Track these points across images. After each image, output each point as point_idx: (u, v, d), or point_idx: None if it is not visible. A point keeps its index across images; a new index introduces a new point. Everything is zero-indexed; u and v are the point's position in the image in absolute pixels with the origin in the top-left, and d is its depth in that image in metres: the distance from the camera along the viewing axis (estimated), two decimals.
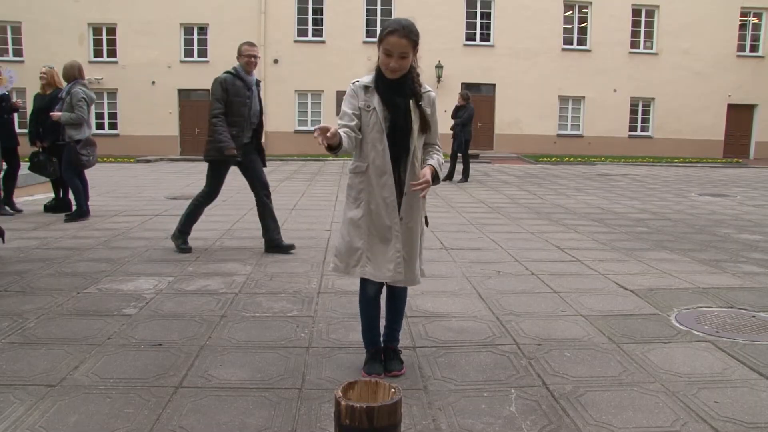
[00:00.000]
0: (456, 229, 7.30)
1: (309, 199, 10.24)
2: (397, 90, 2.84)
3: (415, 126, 2.86)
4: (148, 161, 20.30)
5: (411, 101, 2.86)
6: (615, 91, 23.97)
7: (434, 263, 5.38)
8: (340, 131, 2.68)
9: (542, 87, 23.50)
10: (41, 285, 4.59)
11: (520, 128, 23.69)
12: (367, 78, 2.90)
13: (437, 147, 3.01)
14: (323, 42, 23.35)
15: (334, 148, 2.61)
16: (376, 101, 2.83)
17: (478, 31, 23.84)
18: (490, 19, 23.78)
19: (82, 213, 7.69)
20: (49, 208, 8.20)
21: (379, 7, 23.53)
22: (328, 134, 2.46)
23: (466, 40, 23.64)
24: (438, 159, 2.94)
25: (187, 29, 23.20)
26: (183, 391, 2.78)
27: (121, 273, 4.99)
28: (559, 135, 24.21)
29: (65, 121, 7.40)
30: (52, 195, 8.55)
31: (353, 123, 2.82)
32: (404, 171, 2.87)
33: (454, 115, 12.89)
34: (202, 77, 23.05)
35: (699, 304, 4.30)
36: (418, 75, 2.90)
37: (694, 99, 23.88)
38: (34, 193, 9.94)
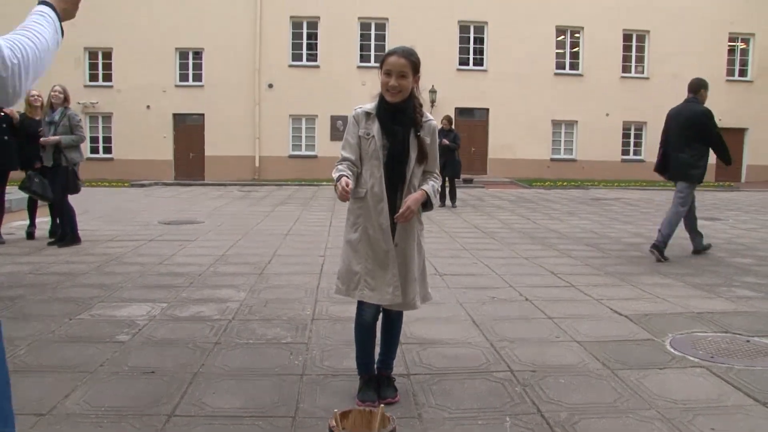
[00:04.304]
0: (450, 254, 7.32)
1: (303, 224, 10.24)
2: (397, 118, 2.90)
3: (413, 155, 2.92)
4: (142, 185, 20.31)
5: (411, 130, 2.92)
6: (607, 115, 24.23)
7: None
8: (346, 170, 2.82)
9: (535, 111, 23.74)
10: (33, 311, 4.56)
11: (513, 152, 23.86)
12: (370, 105, 2.97)
13: (435, 174, 3.05)
14: (317, 67, 23.56)
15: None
16: (375, 129, 2.90)
17: (471, 56, 24.13)
18: (483, 44, 24.11)
19: (75, 238, 7.67)
20: (52, 233, 8.01)
21: (372, 32, 23.82)
22: (350, 187, 2.66)
23: (460, 64, 23.91)
24: (433, 185, 2.97)
25: (182, 53, 23.38)
26: (176, 420, 2.76)
27: (114, 299, 4.97)
28: (552, 159, 24.39)
29: (67, 143, 7.40)
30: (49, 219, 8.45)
31: (354, 157, 2.91)
32: (401, 198, 2.92)
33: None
34: (197, 102, 23.26)
35: (694, 329, 4.31)
36: (420, 105, 2.97)
37: None
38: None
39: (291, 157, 23.72)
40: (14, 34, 1.35)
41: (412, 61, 2.86)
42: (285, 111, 23.46)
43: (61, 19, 1.53)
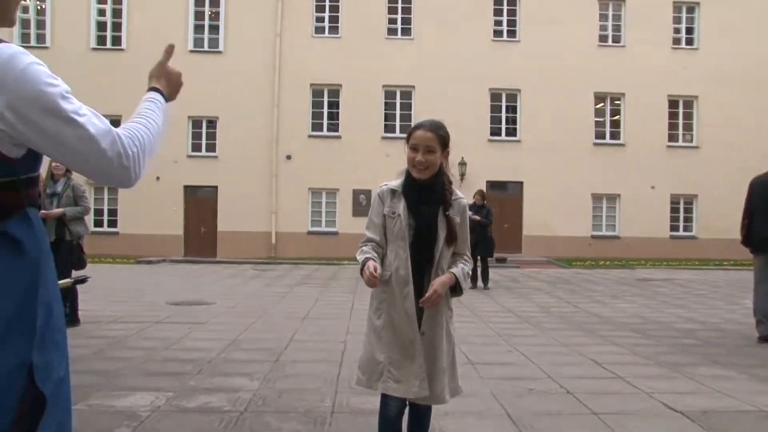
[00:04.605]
0: (482, 341, 7.24)
1: (323, 306, 10.26)
2: (425, 196, 2.98)
3: (441, 235, 2.97)
4: (149, 262, 20.60)
5: (439, 209, 2.99)
6: (653, 188, 24.21)
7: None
8: (371, 252, 2.92)
9: (574, 184, 23.81)
10: None
11: (550, 229, 23.81)
12: (395, 182, 3.06)
13: (466, 257, 3.09)
14: (339, 137, 24.16)
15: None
16: (401, 207, 2.97)
17: (503, 126, 24.58)
18: (516, 113, 24.59)
19: (75, 319, 7.74)
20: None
21: (398, 101, 24.49)
22: (378, 272, 2.75)
23: (491, 135, 24.35)
24: (463, 268, 3.01)
25: (195, 122, 24.12)
26: None
27: (115, 387, 4.97)
28: (593, 236, 24.29)
29: (72, 215, 7.54)
30: None
31: (379, 237, 2.99)
32: (428, 282, 2.94)
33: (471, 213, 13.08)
34: (210, 173, 23.79)
35: (762, 429, 4.17)
36: (450, 182, 3.06)
37: (741, 196, 23.87)
38: None
39: (310, 233, 24.01)
40: (131, 122, 1.59)
41: (440, 135, 2.95)
42: (304, 184, 23.92)
43: (167, 101, 1.80)
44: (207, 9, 24.43)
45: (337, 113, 24.47)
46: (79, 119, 1.42)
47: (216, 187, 23.98)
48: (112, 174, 1.48)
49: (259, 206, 23.71)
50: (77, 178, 7.65)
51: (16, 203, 1.46)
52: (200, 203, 24.16)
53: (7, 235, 1.43)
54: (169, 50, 1.87)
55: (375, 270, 2.74)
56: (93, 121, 1.45)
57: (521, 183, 24.26)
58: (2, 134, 1.38)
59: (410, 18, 24.51)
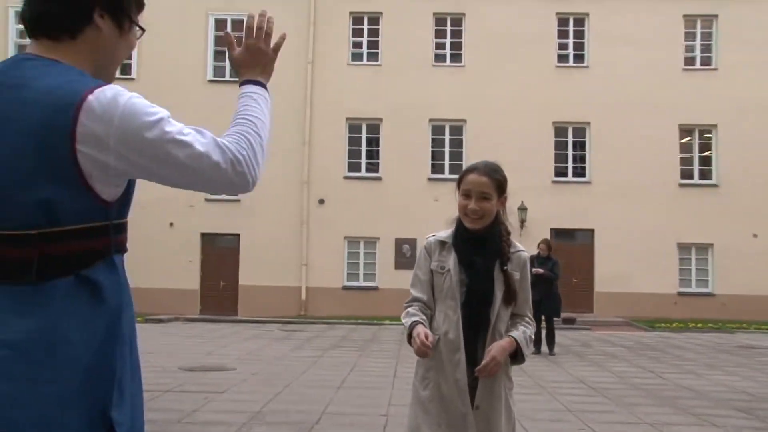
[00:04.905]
0: (549, 416, 7.14)
1: (360, 374, 10.23)
2: (479, 248, 3.00)
3: (498, 294, 2.97)
4: (159, 321, 20.83)
5: (496, 263, 3.01)
6: (755, 236, 23.58)
7: None
8: (419, 314, 2.94)
9: (655, 232, 23.40)
10: None
11: (627, 285, 23.37)
12: (445, 232, 3.09)
13: (527, 319, 3.09)
14: (379, 179, 24.33)
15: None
16: (452, 261, 2.99)
17: (570, 165, 24.50)
18: (584, 150, 24.51)
19: None
20: None
21: (447, 137, 24.65)
22: (430, 340, 2.77)
23: (556, 175, 24.26)
24: (524, 331, 3.01)
25: None
26: None
27: None
28: (680, 293, 23.76)
29: None
30: None
31: (426, 297, 3.01)
32: (482, 348, 2.94)
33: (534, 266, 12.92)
34: (231, 220, 23.96)
35: None
36: (508, 233, 3.09)
37: None
38: None
39: (346, 288, 24.08)
40: (233, 127, 1.78)
41: (496, 180, 2.99)
42: (339, 232, 24.06)
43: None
44: (229, 24, 25.07)
45: (377, 151, 24.73)
46: (185, 139, 1.61)
47: (238, 235, 24.26)
48: (230, 183, 1.69)
49: (288, 257, 23.88)
50: None
51: (106, 249, 1.64)
52: (219, 253, 24.45)
53: (89, 280, 1.58)
54: (251, 23, 1.98)
55: (427, 337, 2.75)
56: (198, 138, 1.64)
57: (592, 231, 24.01)
58: (114, 171, 1.59)
59: (461, 42, 24.87)
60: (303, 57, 24.23)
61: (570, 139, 24.58)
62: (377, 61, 24.88)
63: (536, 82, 23.84)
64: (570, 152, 24.56)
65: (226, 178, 1.68)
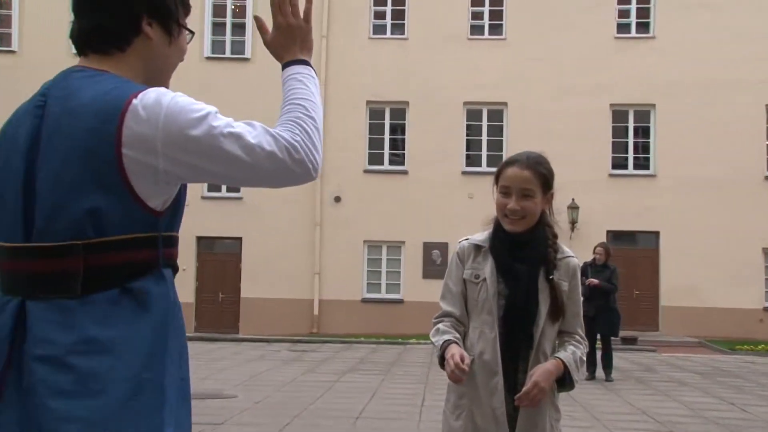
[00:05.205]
0: None
1: (382, 402, 10.22)
2: (520, 254, 3.00)
3: (543, 307, 2.97)
4: None
5: (540, 272, 3.00)
6: None
7: None
8: (451, 332, 2.96)
9: (735, 235, 23.07)
10: None
11: (700, 298, 23.16)
12: (481, 235, 3.11)
13: (578, 337, 3.09)
14: (405, 172, 24.29)
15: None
16: (488, 269, 3.00)
17: (630, 155, 24.34)
18: (648, 137, 24.34)
19: None
20: None
21: (484, 123, 24.63)
22: (466, 363, 2.77)
23: (614, 168, 24.14)
24: (574, 352, 3.00)
25: None
26: None
27: None
28: (766, 309, 23.50)
29: None
30: None
31: (459, 311, 3.02)
32: (524, 371, 2.93)
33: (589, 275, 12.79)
34: (232, 221, 23.99)
35: None
36: (555, 236, 3.10)
37: None
38: None
39: (366, 301, 24.11)
40: (283, 115, 1.93)
41: (540, 174, 2.99)
42: (358, 236, 24.03)
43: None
44: (229, 3, 25.26)
45: (403, 141, 24.79)
46: (234, 131, 1.77)
47: (240, 239, 24.36)
48: (290, 172, 1.83)
49: (298, 265, 23.91)
50: None
51: (154, 261, 1.81)
52: (218, 260, 24.58)
53: (135, 291, 1.75)
54: (310, 0, 2.18)
55: (462, 359, 2.76)
56: (248, 129, 1.79)
57: (656, 234, 23.84)
58: (164, 176, 1.76)
59: (501, 11, 24.86)
60: (316, 30, 23.75)
61: (631, 124, 24.44)
62: (403, 34, 24.94)
63: (591, 56, 23.66)
64: (631, 140, 24.40)
65: (285, 168, 1.81)
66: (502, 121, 24.42)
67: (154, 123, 1.70)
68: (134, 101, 1.72)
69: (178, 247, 1.94)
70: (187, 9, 2.04)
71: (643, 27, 24.62)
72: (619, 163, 24.33)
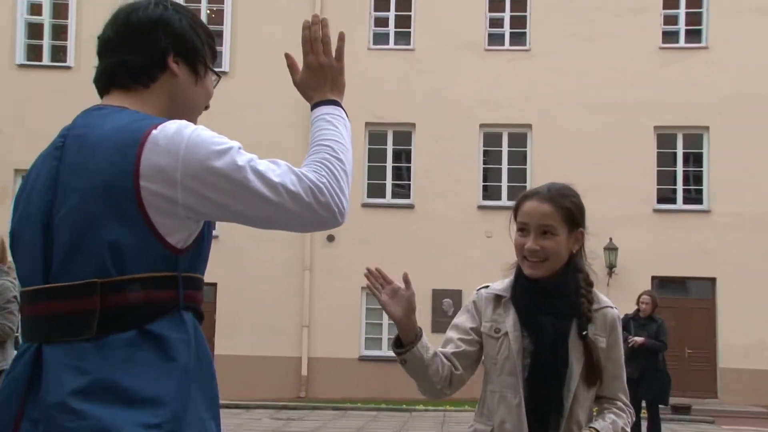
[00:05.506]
0: None
1: None
2: (547, 305, 2.99)
3: (576, 368, 2.96)
4: None
5: (571, 326, 2.99)
6: None
7: None
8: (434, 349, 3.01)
9: None
10: None
11: (767, 360, 23.00)
12: (501, 283, 3.13)
13: (620, 404, 3.07)
14: (410, 207, 24.25)
15: (402, 343, 3.02)
16: (510, 322, 3.00)
17: (679, 187, 24.26)
18: (701, 165, 24.27)
19: None
20: None
21: (504, 148, 24.61)
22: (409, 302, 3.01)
23: (659, 201, 24.09)
24: (614, 421, 2.99)
25: None
26: None
27: None
28: None
29: None
30: None
31: (450, 351, 3.05)
32: None
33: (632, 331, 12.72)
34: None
35: None
36: (588, 283, 3.08)
37: None
38: None
39: (363, 360, 24.05)
40: (310, 156, 2.13)
41: (563, 208, 3.00)
42: (354, 281, 23.51)
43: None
44: (204, 6, 25.26)
45: (408, 169, 24.83)
46: (259, 168, 1.95)
47: (214, 285, 24.22)
48: (315, 216, 2.02)
49: (283, 316, 23.83)
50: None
51: (173, 303, 1.98)
52: None
53: (154, 335, 1.91)
54: (306, 35, 2.37)
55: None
56: (272, 167, 1.98)
57: (712, 281, 23.77)
58: (183, 210, 1.94)
59: (525, 17, 24.93)
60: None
61: (680, 150, 24.41)
62: (409, 43, 25.05)
63: (632, 69, 23.62)
64: (680, 169, 24.40)
65: (310, 210, 2.00)
66: (526, 147, 24.44)
67: (174, 154, 1.89)
68: (154, 132, 1.91)
69: (203, 291, 2.14)
70: (214, 53, 2.31)
71: (693, 35, 24.65)
72: (665, 197, 24.29)
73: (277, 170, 1.96)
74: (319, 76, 2.33)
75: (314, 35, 2.33)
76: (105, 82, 2.15)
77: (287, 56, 2.37)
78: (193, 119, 2.19)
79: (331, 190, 2.02)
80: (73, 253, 1.90)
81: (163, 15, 2.16)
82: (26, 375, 1.89)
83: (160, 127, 1.92)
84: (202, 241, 2.10)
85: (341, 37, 2.35)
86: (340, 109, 2.32)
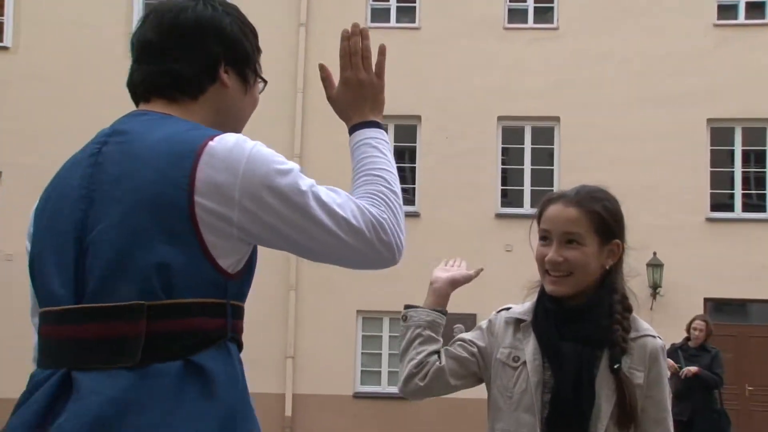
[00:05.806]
0: None
1: None
2: (572, 329, 3.00)
3: (605, 407, 2.94)
4: None
5: (602, 357, 2.98)
6: None
7: None
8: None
9: None
10: None
11: None
12: (523, 306, 3.17)
13: None
14: (415, 215, 24.20)
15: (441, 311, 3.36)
16: (530, 349, 3.02)
17: (737, 191, 24.26)
18: (763, 165, 24.31)
19: None
20: None
21: (527, 146, 24.67)
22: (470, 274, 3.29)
23: (713, 209, 24.12)
24: None
25: None
26: None
27: None
28: None
29: None
30: None
31: (446, 347, 3.24)
32: None
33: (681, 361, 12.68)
34: None
35: None
36: (625, 307, 3.04)
37: None
38: None
39: (359, 397, 24.13)
40: (362, 186, 2.26)
41: (593, 213, 3.00)
42: (349, 304, 23.92)
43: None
44: None
45: (413, 170, 24.89)
46: (322, 196, 2.07)
47: None
48: (376, 254, 2.16)
49: (264, 344, 23.65)
50: None
51: (221, 332, 2.08)
52: None
53: (200, 368, 1.98)
54: (345, 48, 2.50)
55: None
56: (333, 196, 2.10)
57: None
58: (238, 231, 2.04)
59: None
60: (292, 16, 24.46)
61: (738, 147, 24.43)
62: (413, 21, 25.07)
63: (680, 52, 23.67)
64: (738, 170, 24.40)
65: (371, 248, 2.13)
66: (553, 144, 24.51)
67: (234, 170, 2.00)
68: (211, 143, 2.02)
69: (243, 320, 2.19)
70: (259, 54, 2.41)
71: (755, 10, 24.66)
72: (721, 203, 24.32)
73: (338, 199, 2.06)
74: (357, 93, 2.44)
75: (354, 48, 2.43)
76: (145, 91, 2.23)
77: (322, 68, 2.48)
78: (239, 131, 2.28)
79: (392, 227, 2.14)
80: (116, 271, 1.97)
81: (214, 18, 2.26)
82: (47, 402, 1.92)
83: (217, 139, 2.02)
84: (251, 267, 2.18)
85: (382, 51, 2.47)
86: (383, 132, 2.43)
